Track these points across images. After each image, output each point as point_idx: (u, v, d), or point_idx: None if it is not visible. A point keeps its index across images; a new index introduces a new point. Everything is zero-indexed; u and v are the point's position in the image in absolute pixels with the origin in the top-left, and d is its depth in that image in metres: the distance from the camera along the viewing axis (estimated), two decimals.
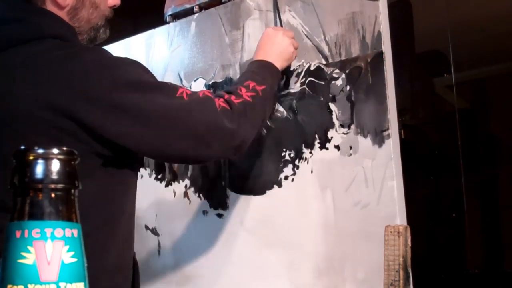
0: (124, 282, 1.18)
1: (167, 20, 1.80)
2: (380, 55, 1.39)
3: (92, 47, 1.18)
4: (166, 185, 1.72)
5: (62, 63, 1.07)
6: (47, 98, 1.03)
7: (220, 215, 1.59)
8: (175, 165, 1.71)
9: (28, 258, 0.40)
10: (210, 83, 1.67)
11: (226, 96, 1.18)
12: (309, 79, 1.48)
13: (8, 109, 1.06)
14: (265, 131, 1.55)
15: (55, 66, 1.06)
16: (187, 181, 1.68)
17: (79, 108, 1.03)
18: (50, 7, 1.16)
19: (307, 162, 1.45)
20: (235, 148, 1.18)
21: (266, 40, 1.39)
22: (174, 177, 1.71)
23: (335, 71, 1.45)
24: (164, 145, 1.11)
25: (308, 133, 1.46)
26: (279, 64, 1.35)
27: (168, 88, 1.14)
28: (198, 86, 1.70)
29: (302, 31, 1.50)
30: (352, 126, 1.41)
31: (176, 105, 1.11)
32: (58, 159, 0.43)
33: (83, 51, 1.12)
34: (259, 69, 1.32)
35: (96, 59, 1.09)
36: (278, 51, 1.36)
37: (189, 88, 1.73)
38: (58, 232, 0.42)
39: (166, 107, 1.10)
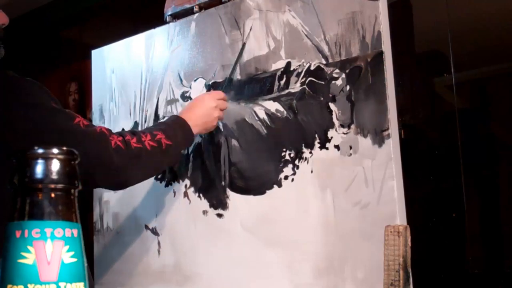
0: None
1: (167, 20, 1.80)
2: (380, 55, 1.39)
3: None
4: (166, 185, 1.72)
5: None
6: None
7: (220, 215, 1.59)
8: (175, 165, 1.71)
9: (28, 258, 0.40)
10: (210, 83, 1.67)
11: (128, 137, 1.24)
12: (309, 79, 1.48)
13: None
14: (265, 131, 1.55)
15: None
16: (187, 181, 1.68)
17: None
18: None
19: (307, 162, 1.45)
20: (118, 184, 1.26)
21: (194, 101, 1.49)
22: (174, 177, 1.71)
23: (335, 71, 1.45)
24: None
25: (308, 133, 1.46)
26: (197, 129, 1.44)
27: (66, 115, 1.18)
28: (198, 86, 1.70)
29: (302, 31, 1.50)
30: (352, 126, 1.41)
31: (69, 130, 1.15)
32: (58, 159, 0.43)
33: None
34: (175, 125, 1.39)
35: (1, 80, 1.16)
36: (199, 114, 1.45)
37: (190, 88, 1.73)
38: (58, 232, 0.42)
39: (60, 130, 1.14)
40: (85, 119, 1.22)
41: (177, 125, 1.39)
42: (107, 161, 1.17)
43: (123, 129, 1.32)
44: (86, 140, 1.16)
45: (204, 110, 1.46)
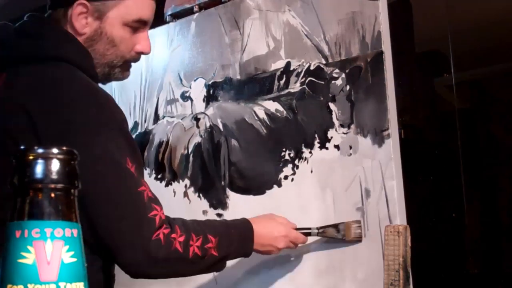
0: None
1: (167, 20, 1.80)
2: (380, 55, 1.39)
3: (96, 95, 1.10)
4: (166, 185, 1.72)
5: (61, 99, 1.04)
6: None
7: (220, 215, 1.59)
8: (175, 165, 1.71)
9: (28, 258, 0.40)
10: (210, 82, 1.67)
11: (175, 235, 1.08)
12: (309, 79, 1.48)
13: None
14: (265, 131, 1.55)
15: (57, 100, 1.04)
16: (187, 181, 1.68)
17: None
18: (68, 30, 1.15)
19: (307, 162, 1.45)
20: (132, 273, 1.08)
21: (272, 220, 1.27)
22: (174, 177, 1.71)
23: (335, 71, 1.45)
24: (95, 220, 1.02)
25: (308, 133, 1.46)
26: (258, 246, 1.23)
27: (133, 179, 1.05)
28: (198, 85, 1.70)
29: (302, 31, 1.50)
30: (352, 126, 1.41)
31: (127, 195, 1.04)
32: (58, 159, 0.42)
33: (84, 96, 1.07)
34: (238, 233, 1.19)
35: (93, 110, 1.05)
36: (268, 237, 1.24)
37: (190, 88, 1.73)
38: (58, 232, 0.41)
39: (117, 190, 1.03)
40: (150, 190, 1.09)
41: (240, 235, 1.20)
42: (140, 249, 1.03)
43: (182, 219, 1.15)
44: (135, 212, 1.04)
45: (272, 234, 1.25)
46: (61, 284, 0.41)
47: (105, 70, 1.20)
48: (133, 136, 1.79)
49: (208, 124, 1.65)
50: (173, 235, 1.08)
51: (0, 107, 1.07)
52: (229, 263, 1.53)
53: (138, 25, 1.20)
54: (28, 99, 1.03)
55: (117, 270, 1.14)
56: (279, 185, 1.48)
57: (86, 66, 1.13)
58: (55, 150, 0.43)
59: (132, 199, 1.04)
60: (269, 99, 1.54)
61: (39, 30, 1.13)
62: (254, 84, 1.57)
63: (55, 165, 0.42)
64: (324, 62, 1.46)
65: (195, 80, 1.71)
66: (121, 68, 1.22)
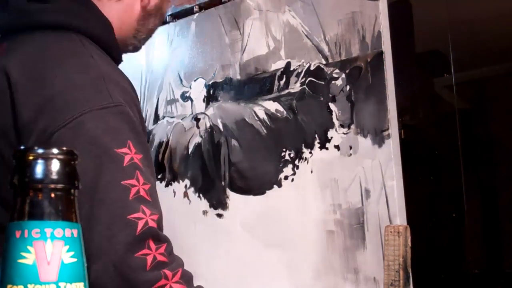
0: None
1: (167, 20, 1.80)
2: (380, 55, 1.39)
3: (91, 71, 0.89)
4: (166, 185, 1.72)
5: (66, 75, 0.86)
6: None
7: (220, 215, 1.59)
8: (175, 165, 1.71)
9: (28, 258, 0.40)
10: (210, 83, 1.67)
11: (170, 273, 0.81)
12: (309, 79, 1.48)
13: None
14: (265, 131, 1.55)
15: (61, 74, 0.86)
16: (187, 181, 1.68)
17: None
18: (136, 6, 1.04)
19: (307, 162, 1.45)
20: None
21: None
22: (174, 177, 1.71)
23: (335, 71, 1.45)
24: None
25: (308, 133, 1.46)
26: None
27: (119, 168, 0.81)
28: (198, 86, 1.70)
29: (302, 31, 1.50)
30: (352, 126, 1.41)
31: (103, 186, 0.79)
32: (58, 159, 0.42)
33: (75, 70, 0.88)
34: None
35: (82, 87, 0.86)
36: None
37: (190, 88, 1.73)
38: (58, 232, 0.41)
39: (94, 178, 0.79)
40: (147, 190, 0.87)
41: None
42: (103, 259, 0.76)
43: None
44: (110, 209, 0.80)
45: None
46: (61, 284, 0.41)
47: (136, 43, 1.09)
48: None
49: (208, 124, 1.65)
50: (167, 271, 0.81)
51: None
52: (229, 264, 1.54)
53: None
54: (12, 66, 0.87)
55: None
56: (279, 185, 1.48)
57: (104, 38, 0.96)
58: (55, 150, 0.43)
59: (108, 191, 0.80)
60: (269, 99, 1.54)
61: None
62: (254, 84, 1.57)
63: (55, 165, 0.42)
64: (324, 62, 1.46)
65: (195, 80, 1.71)
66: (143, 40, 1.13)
